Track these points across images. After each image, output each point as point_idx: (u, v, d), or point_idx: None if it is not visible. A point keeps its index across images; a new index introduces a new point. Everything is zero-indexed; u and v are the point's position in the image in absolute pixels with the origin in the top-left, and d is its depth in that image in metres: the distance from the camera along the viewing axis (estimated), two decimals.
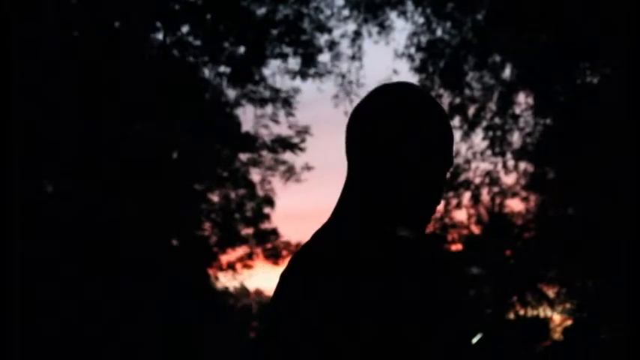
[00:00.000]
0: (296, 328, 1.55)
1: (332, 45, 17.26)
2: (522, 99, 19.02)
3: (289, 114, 18.26)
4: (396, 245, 1.60)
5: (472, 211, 18.60)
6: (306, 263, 1.62)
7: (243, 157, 19.69)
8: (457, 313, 1.57)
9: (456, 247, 17.83)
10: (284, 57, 17.39)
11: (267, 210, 21.63)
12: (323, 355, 1.52)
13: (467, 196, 17.72)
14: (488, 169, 17.10)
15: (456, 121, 16.55)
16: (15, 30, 10.13)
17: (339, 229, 1.66)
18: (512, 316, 18.56)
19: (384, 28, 16.82)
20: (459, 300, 1.58)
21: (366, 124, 1.69)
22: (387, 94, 1.70)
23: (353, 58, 17.23)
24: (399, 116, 1.66)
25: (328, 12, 17.14)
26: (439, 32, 16.44)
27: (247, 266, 22.32)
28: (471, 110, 16.75)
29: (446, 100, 16.57)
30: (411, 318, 1.52)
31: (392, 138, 1.65)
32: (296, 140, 19.44)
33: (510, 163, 16.70)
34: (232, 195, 20.64)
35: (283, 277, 1.66)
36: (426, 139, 1.66)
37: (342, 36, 17.18)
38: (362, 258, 1.57)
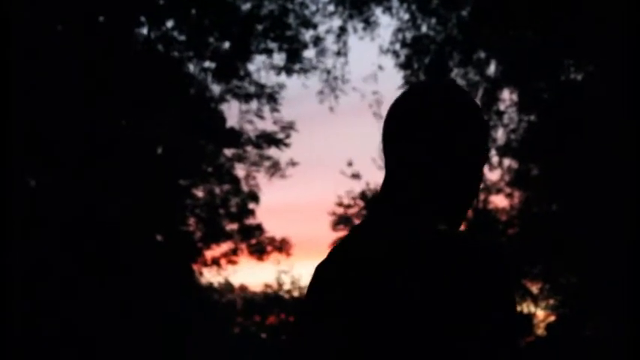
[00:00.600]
0: (327, 320, 1.58)
1: (317, 41, 17.25)
2: (507, 95, 19.11)
3: (274, 109, 18.25)
4: (436, 240, 1.62)
5: None
6: (343, 258, 1.65)
7: (228, 152, 19.67)
8: (490, 309, 1.58)
9: None
10: (269, 52, 17.37)
11: (251, 205, 21.62)
12: (354, 349, 1.54)
13: None
14: None
15: None
16: (15, 30, 10.09)
17: (378, 225, 1.68)
18: None
19: (369, 24, 16.82)
20: (493, 296, 1.59)
21: (404, 121, 1.71)
22: (424, 91, 1.72)
23: (338, 53, 17.24)
24: (437, 114, 1.68)
25: (313, 8, 17.12)
26: (424, 28, 16.47)
27: (232, 262, 22.30)
28: None
29: None
30: (444, 314, 1.54)
31: (430, 135, 1.67)
32: (281, 136, 19.44)
33: (495, 159, 16.76)
34: (217, 190, 20.61)
35: (319, 270, 1.69)
36: (465, 135, 1.68)
37: (328, 32, 17.17)
38: (401, 254, 1.59)
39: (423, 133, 1.67)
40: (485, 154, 1.72)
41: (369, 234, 1.67)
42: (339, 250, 1.68)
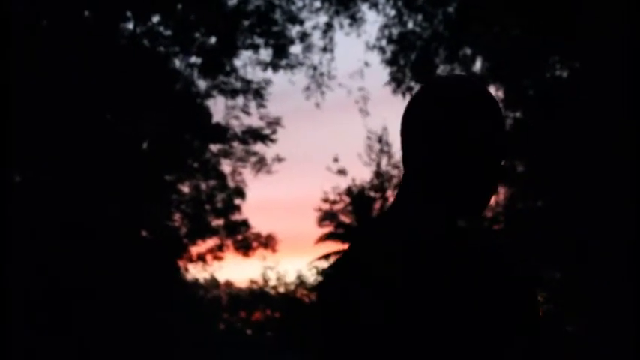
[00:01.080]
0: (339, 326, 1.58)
1: (303, 36, 17.24)
2: (493, 92, 19.18)
3: (260, 105, 18.25)
4: (457, 240, 1.62)
5: None
6: (358, 258, 1.64)
7: (214, 148, 19.66)
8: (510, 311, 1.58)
9: None
10: (255, 48, 17.35)
11: (237, 201, 21.62)
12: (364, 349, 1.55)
13: None
14: None
15: None
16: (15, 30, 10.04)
17: (397, 225, 1.67)
18: None
19: (355, 20, 16.83)
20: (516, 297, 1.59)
21: (408, 123, 1.70)
22: (441, 87, 1.70)
23: (324, 49, 17.23)
24: (454, 109, 1.66)
25: (300, 3, 17.11)
26: (410, 25, 16.49)
27: (217, 257, 22.29)
28: None
29: None
30: (452, 314, 1.54)
31: (430, 135, 1.66)
32: (267, 132, 19.44)
33: None
34: (203, 186, 20.60)
35: (338, 265, 1.68)
36: (464, 132, 1.66)
37: (314, 28, 17.17)
38: (409, 255, 1.59)
39: (424, 133, 1.67)
40: (496, 148, 1.68)
41: (381, 234, 1.66)
42: (357, 247, 1.67)
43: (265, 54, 17.45)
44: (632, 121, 11.08)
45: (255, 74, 20.10)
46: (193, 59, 17.26)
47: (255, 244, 23.11)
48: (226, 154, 19.84)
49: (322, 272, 32.84)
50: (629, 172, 11.17)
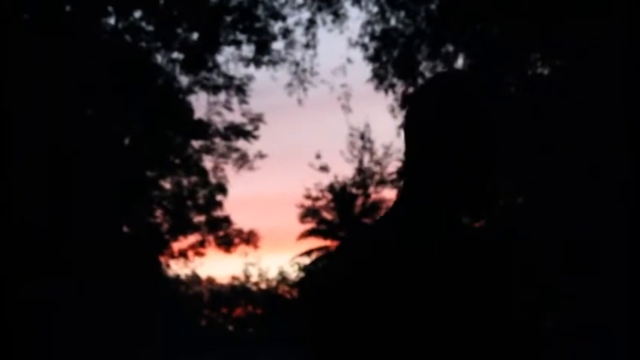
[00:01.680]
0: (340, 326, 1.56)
1: (286, 33, 17.24)
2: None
3: (243, 101, 18.23)
4: (459, 238, 1.62)
5: None
6: (359, 256, 1.61)
7: (196, 144, 19.63)
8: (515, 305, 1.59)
9: None
10: (238, 44, 17.33)
11: (219, 197, 21.62)
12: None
13: None
14: None
15: None
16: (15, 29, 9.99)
17: (399, 224, 1.66)
18: None
19: (338, 16, 16.84)
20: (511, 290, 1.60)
21: (418, 117, 1.70)
22: (437, 86, 1.70)
23: (307, 46, 17.23)
24: (450, 108, 1.66)
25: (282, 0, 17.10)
26: (393, 21, 16.51)
27: (199, 254, 22.30)
28: None
29: (399, 90, 16.68)
30: (458, 308, 1.53)
31: (444, 130, 1.65)
32: (249, 128, 19.43)
33: None
34: (184, 182, 20.58)
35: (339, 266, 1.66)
36: (478, 127, 1.66)
37: (297, 24, 17.16)
38: (425, 256, 1.58)
39: (420, 133, 1.67)
40: (493, 145, 1.69)
41: (382, 233, 1.65)
42: (356, 246, 1.66)
43: (248, 50, 17.45)
44: (621, 117, 11.15)
45: (237, 70, 20.15)
46: (175, 55, 17.24)
47: (236, 240, 23.13)
48: (208, 150, 19.83)
49: (305, 269, 32.86)
50: (616, 169, 11.25)
